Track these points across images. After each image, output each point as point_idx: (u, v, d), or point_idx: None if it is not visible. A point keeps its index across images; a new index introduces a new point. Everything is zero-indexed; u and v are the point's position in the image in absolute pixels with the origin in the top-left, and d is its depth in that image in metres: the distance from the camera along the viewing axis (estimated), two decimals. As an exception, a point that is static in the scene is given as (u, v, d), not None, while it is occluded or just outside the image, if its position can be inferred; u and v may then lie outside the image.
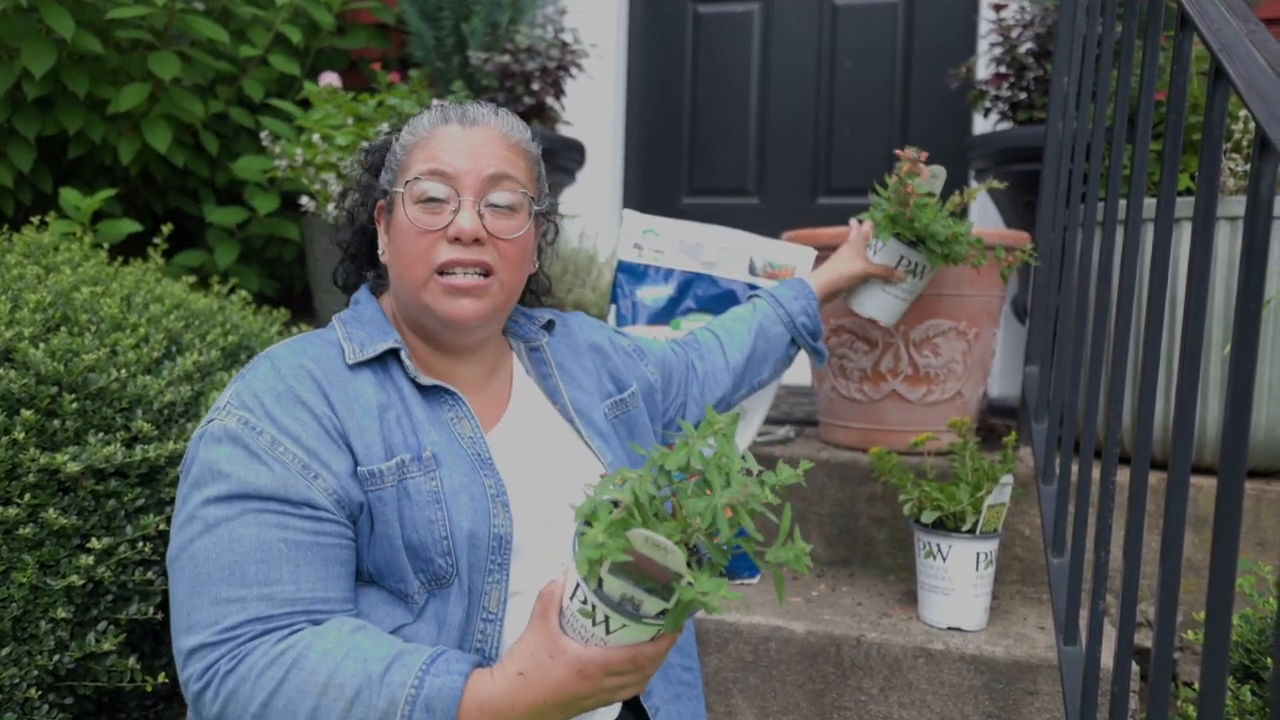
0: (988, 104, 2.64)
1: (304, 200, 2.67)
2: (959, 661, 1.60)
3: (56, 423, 1.44)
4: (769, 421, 2.45)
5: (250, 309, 2.19)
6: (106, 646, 1.44)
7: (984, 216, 2.98)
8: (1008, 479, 1.66)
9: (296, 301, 3.19)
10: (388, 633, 1.03)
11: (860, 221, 1.74)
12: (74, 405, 1.46)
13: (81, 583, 1.41)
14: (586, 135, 3.20)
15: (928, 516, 1.65)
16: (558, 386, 1.26)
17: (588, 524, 0.85)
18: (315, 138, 2.63)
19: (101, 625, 1.46)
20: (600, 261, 3.00)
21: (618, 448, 1.26)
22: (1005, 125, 2.64)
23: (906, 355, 1.97)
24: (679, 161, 3.49)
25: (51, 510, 1.39)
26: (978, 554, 1.64)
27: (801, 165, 3.38)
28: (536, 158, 1.23)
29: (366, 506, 1.06)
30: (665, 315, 1.93)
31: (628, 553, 0.82)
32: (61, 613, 1.39)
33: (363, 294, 1.24)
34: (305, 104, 3.04)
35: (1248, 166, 1.91)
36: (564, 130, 3.08)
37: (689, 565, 0.84)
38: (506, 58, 2.87)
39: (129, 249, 2.79)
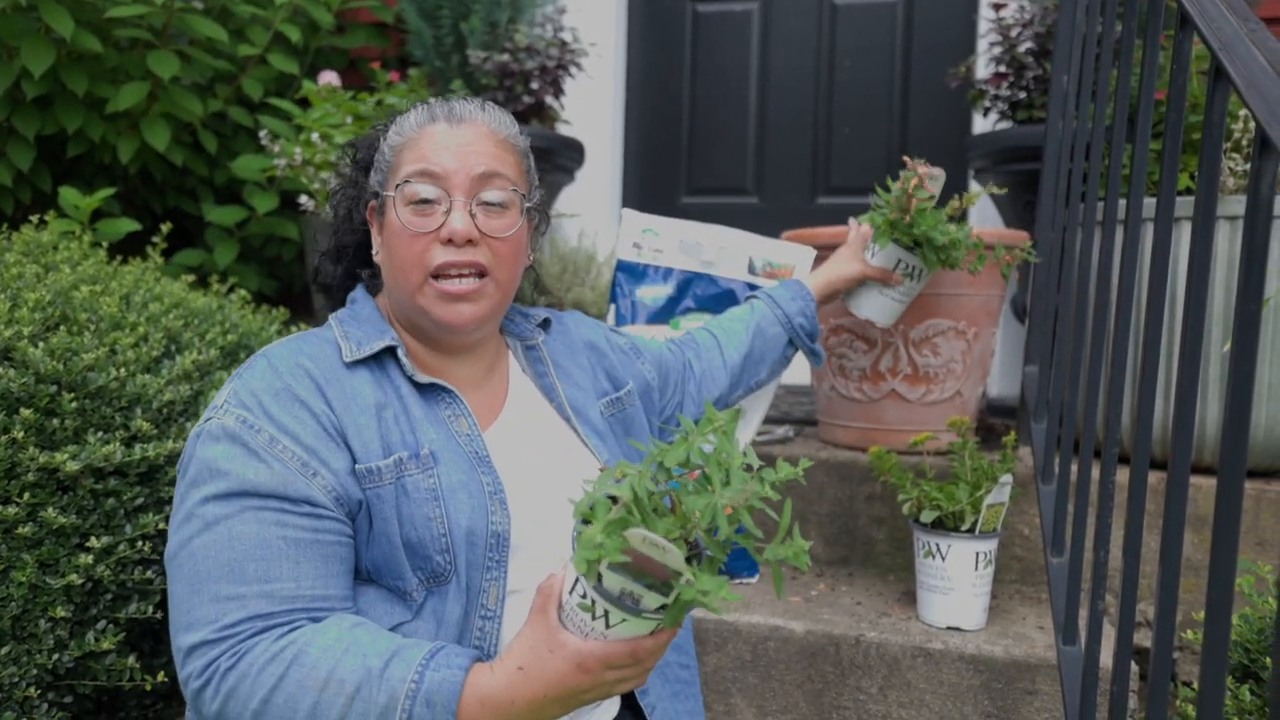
0: (987, 103, 2.64)
1: (303, 199, 2.67)
2: (958, 661, 1.60)
3: (56, 422, 1.44)
4: (768, 421, 2.45)
5: (249, 308, 2.19)
6: (106, 645, 1.43)
7: (983, 216, 2.98)
8: (1007, 478, 1.66)
9: (295, 300, 3.19)
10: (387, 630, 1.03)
11: (860, 223, 1.74)
12: (73, 404, 1.45)
13: (81, 582, 1.41)
14: (586, 134, 3.20)
15: (927, 516, 1.65)
16: (554, 385, 1.26)
17: (586, 521, 0.85)
18: (314, 137, 2.63)
19: (101, 624, 1.46)
20: (599, 261, 3.00)
21: (614, 446, 1.26)
22: (1005, 125, 2.64)
23: (906, 355, 1.98)
24: (678, 161, 3.49)
25: (51, 509, 1.39)
26: (977, 553, 1.64)
27: (801, 165, 3.38)
28: (525, 151, 1.22)
29: (365, 504, 1.06)
30: (664, 315, 1.93)
31: (626, 552, 0.82)
32: (61, 612, 1.39)
33: (359, 293, 1.23)
34: (304, 103, 3.04)
35: (1247, 166, 1.91)
36: (563, 129, 3.08)
37: (688, 561, 0.84)
38: (505, 57, 2.86)
39: (128, 248, 2.79)
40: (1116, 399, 1.22)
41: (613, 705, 1.20)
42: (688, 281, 1.94)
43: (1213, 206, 0.97)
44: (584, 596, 0.88)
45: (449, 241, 1.11)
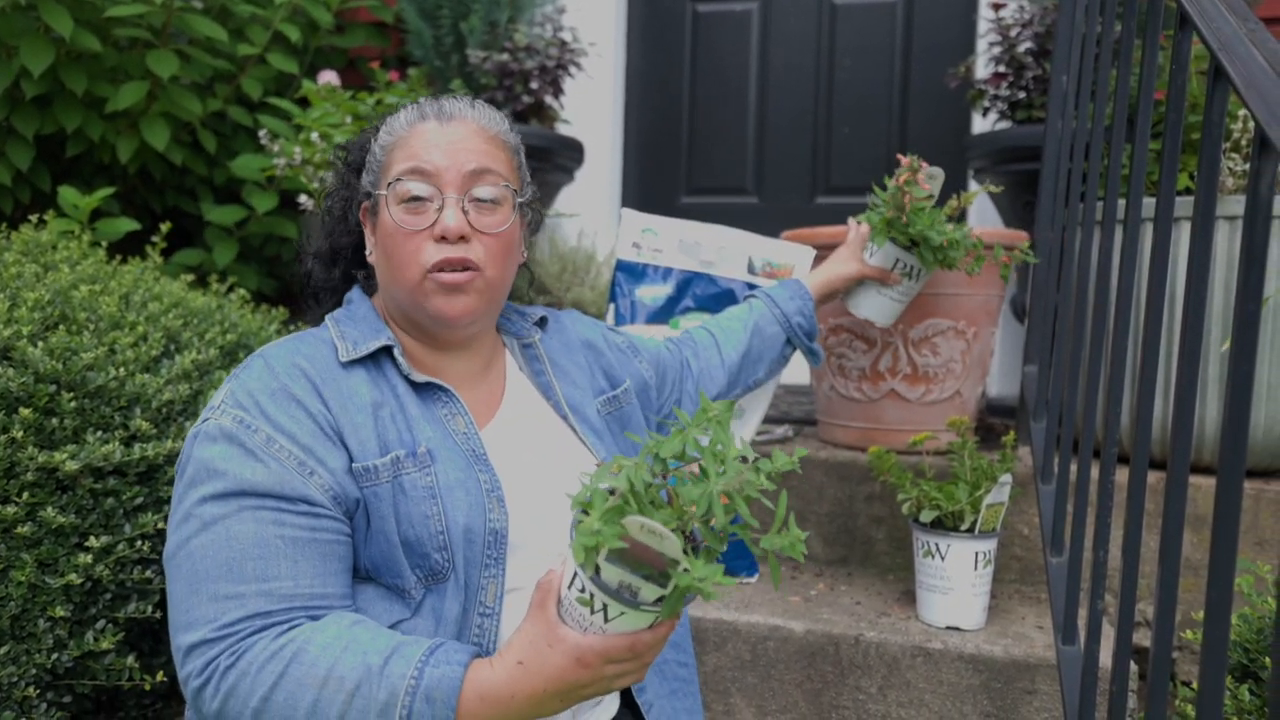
0: (986, 103, 2.64)
1: (302, 199, 2.67)
2: (957, 661, 1.60)
3: (55, 421, 1.44)
4: (768, 420, 2.45)
5: (248, 307, 2.19)
6: (105, 645, 1.43)
7: (983, 216, 2.98)
8: (1006, 478, 1.66)
9: (295, 300, 3.18)
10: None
11: (859, 222, 1.74)
12: (72, 404, 1.45)
13: (80, 581, 1.40)
14: (585, 134, 3.20)
15: (926, 516, 1.65)
16: (551, 383, 1.26)
17: (584, 512, 0.86)
18: (314, 136, 2.62)
19: (100, 624, 1.46)
20: (599, 260, 3.00)
21: (611, 444, 1.27)
22: (1004, 124, 2.65)
23: (905, 354, 1.98)
24: (678, 160, 3.49)
25: (50, 509, 1.39)
26: (976, 553, 1.65)
27: (800, 164, 3.38)
28: (516, 147, 1.23)
29: (362, 503, 1.06)
30: (664, 314, 1.93)
31: (624, 540, 0.83)
32: (60, 611, 1.39)
33: (355, 293, 1.24)
34: (304, 102, 3.04)
35: (1246, 166, 1.91)
36: (563, 129, 3.08)
37: (685, 553, 0.84)
38: (505, 56, 2.86)
39: (127, 247, 2.78)
40: (1116, 399, 1.22)
41: (611, 704, 1.20)
42: (687, 281, 1.94)
43: (1212, 206, 0.97)
44: (582, 590, 0.88)
45: (442, 238, 1.12)
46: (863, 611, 1.76)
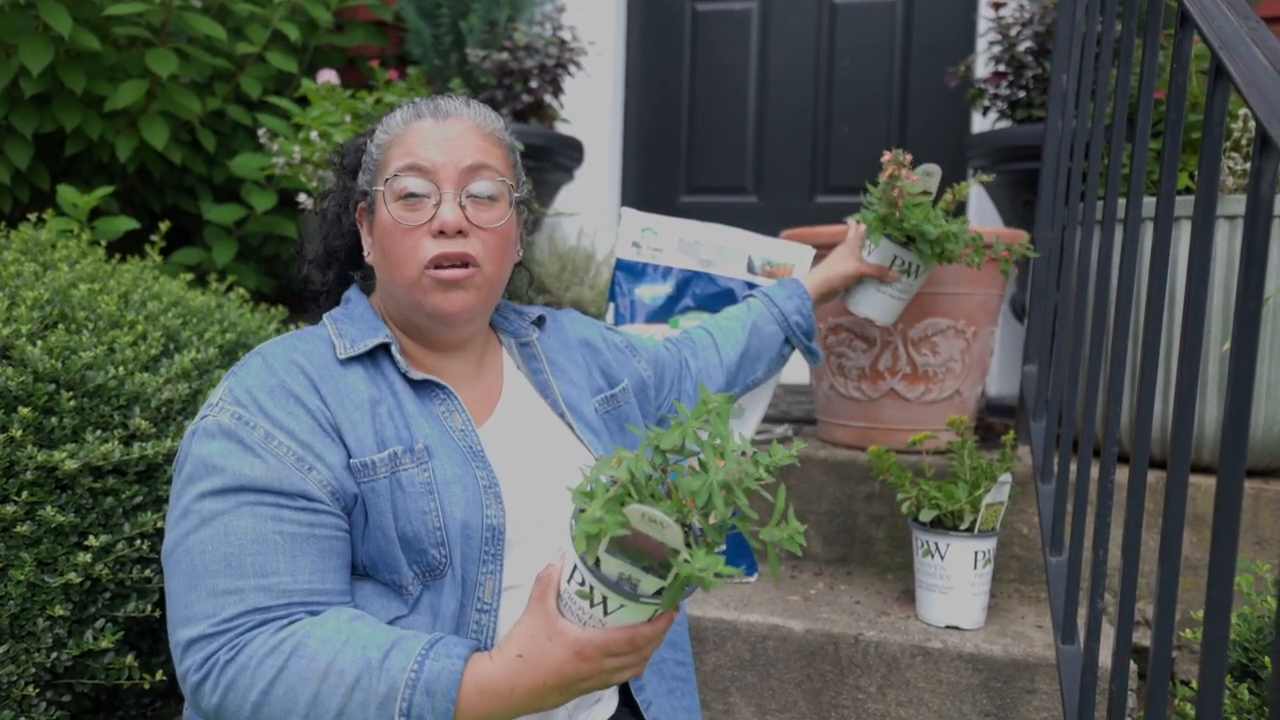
0: (986, 102, 2.64)
1: (302, 198, 2.67)
2: (957, 660, 1.60)
3: (54, 420, 1.44)
4: (767, 420, 2.45)
5: (248, 306, 2.19)
6: (104, 644, 1.43)
7: (982, 215, 2.98)
8: (1006, 478, 1.66)
9: (294, 299, 3.18)
10: None
11: (858, 222, 1.74)
12: (71, 403, 1.45)
13: (79, 580, 1.40)
14: (585, 133, 3.20)
15: (926, 515, 1.65)
16: (549, 381, 1.26)
17: (583, 507, 0.86)
18: (313, 135, 2.62)
19: (99, 623, 1.46)
20: (598, 260, 3.00)
21: (609, 442, 1.27)
22: (1004, 124, 2.64)
23: (905, 354, 1.98)
24: (677, 160, 3.49)
25: (49, 508, 1.39)
26: (976, 552, 1.64)
27: (800, 163, 3.38)
28: (512, 145, 1.23)
29: (360, 498, 1.06)
30: (664, 313, 1.93)
31: (625, 528, 0.83)
32: (59, 610, 1.39)
33: (353, 292, 1.24)
34: (303, 101, 3.04)
35: (1246, 165, 1.91)
36: (562, 128, 3.08)
37: (686, 544, 0.84)
38: (504, 55, 2.86)
39: (126, 246, 2.78)
40: (1116, 398, 1.22)
41: (610, 702, 1.21)
42: (687, 280, 1.94)
43: (1213, 205, 0.97)
44: (582, 584, 0.88)
45: (440, 233, 1.12)
46: (862, 611, 1.76)
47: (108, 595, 1.47)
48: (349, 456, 1.06)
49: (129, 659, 1.48)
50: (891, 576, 1.96)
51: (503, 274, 1.19)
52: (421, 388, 1.15)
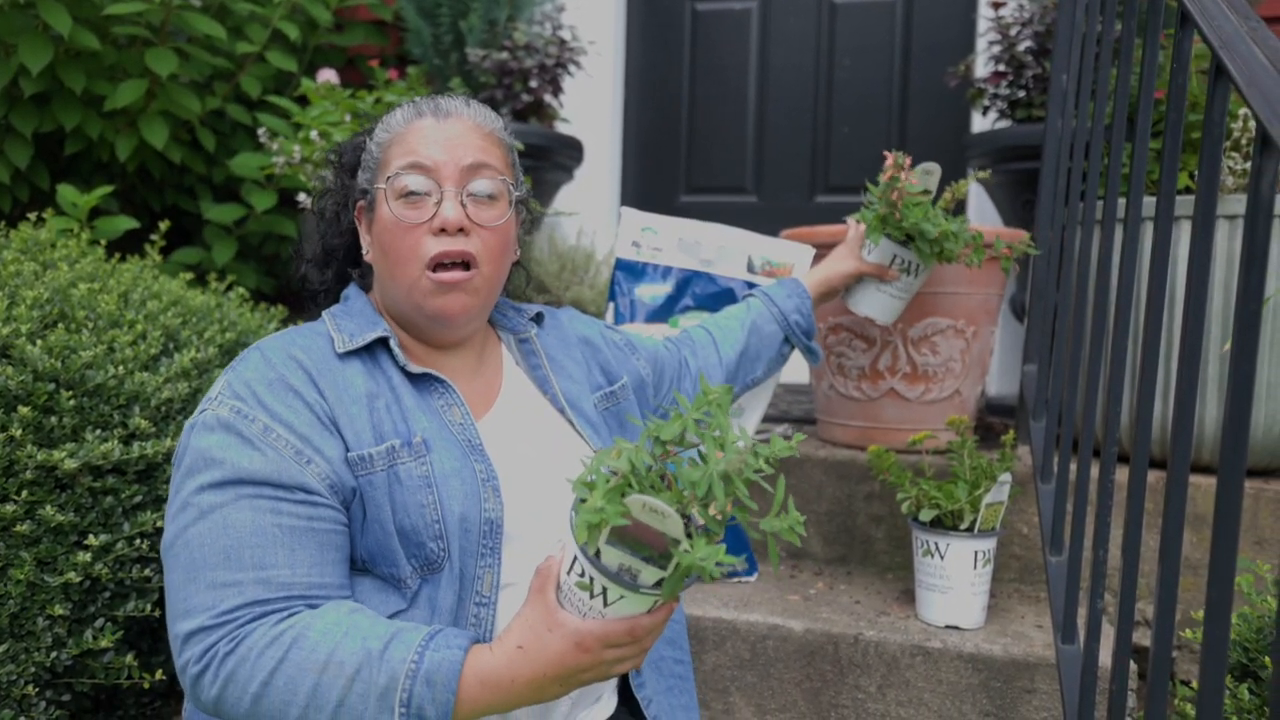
0: (986, 102, 2.64)
1: (301, 197, 2.67)
2: (956, 660, 1.60)
3: (54, 419, 1.44)
4: (767, 420, 2.45)
5: (247, 306, 2.19)
6: (104, 643, 1.43)
7: (982, 215, 2.98)
8: (1006, 477, 1.66)
9: (294, 298, 3.18)
10: None
11: (857, 221, 1.74)
12: (71, 402, 1.45)
13: (79, 580, 1.40)
14: (584, 133, 3.19)
15: (926, 515, 1.65)
16: (548, 377, 1.27)
17: (584, 502, 0.86)
18: (313, 134, 2.62)
19: (99, 622, 1.46)
20: (598, 259, 3.00)
21: (608, 438, 1.27)
22: (1004, 123, 2.64)
23: (905, 353, 1.97)
24: (677, 159, 3.49)
25: (49, 507, 1.39)
26: (975, 552, 1.64)
27: (800, 163, 3.38)
28: (511, 145, 1.24)
29: (358, 492, 1.06)
30: (663, 313, 1.93)
31: (626, 518, 0.83)
32: (59, 610, 1.39)
33: (352, 290, 1.25)
34: (303, 101, 3.04)
35: (1246, 165, 1.91)
36: (562, 128, 3.08)
37: (687, 535, 0.84)
38: (504, 55, 2.86)
39: (126, 246, 2.78)
40: (1115, 398, 1.22)
41: (610, 701, 1.21)
42: (687, 280, 1.94)
43: (1213, 205, 0.97)
44: (582, 575, 0.89)
45: (441, 231, 1.12)
46: (862, 610, 1.76)
47: (107, 595, 1.47)
48: (346, 450, 1.07)
49: (129, 658, 1.48)
50: (891, 576, 1.96)
51: (501, 273, 1.20)
52: (420, 382, 1.16)
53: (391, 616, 1.05)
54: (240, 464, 1.02)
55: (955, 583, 1.65)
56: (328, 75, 2.84)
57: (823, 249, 1.92)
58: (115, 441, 1.46)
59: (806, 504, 2.03)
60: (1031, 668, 1.56)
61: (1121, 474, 1.76)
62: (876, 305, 1.76)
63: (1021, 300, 2.56)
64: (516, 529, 1.10)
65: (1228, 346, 1.70)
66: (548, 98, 2.94)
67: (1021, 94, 2.56)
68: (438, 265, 1.13)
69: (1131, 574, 1.11)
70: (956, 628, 1.66)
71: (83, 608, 1.45)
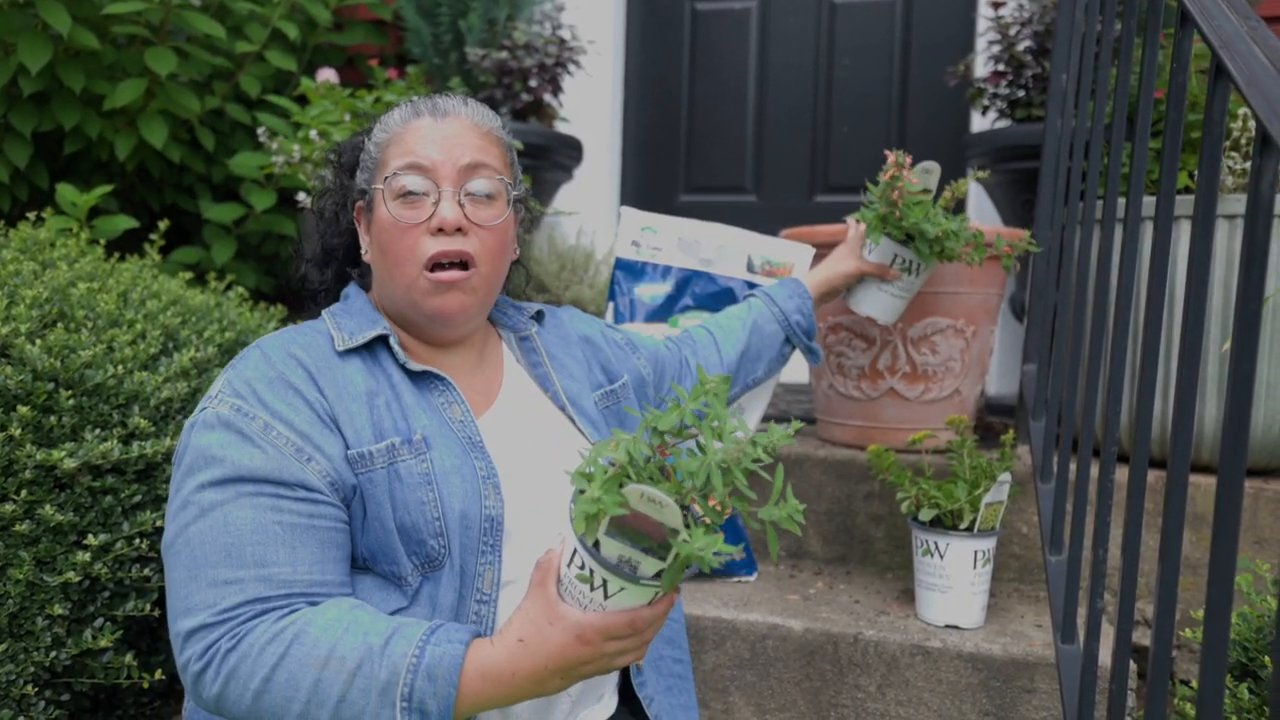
0: (986, 102, 2.64)
1: (301, 196, 2.67)
2: (956, 659, 1.60)
3: (53, 419, 1.44)
4: (767, 419, 2.45)
5: (247, 305, 2.19)
6: (103, 643, 1.43)
7: (981, 214, 2.98)
8: (1005, 477, 1.66)
9: (293, 298, 3.18)
10: None
11: (857, 221, 1.74)
12: (70, 402, 1.45)
13: (78, 579, 1.40)
14: (584, 132, 3.19)
15: (925, 514, 1.65)
16: (548, 374, 1.27)
17: (582, 490, 0.86)
18: (312, 134, 2.62)
19: (98, 622, 1.46)
20: (598, 259, 3.00)
21: (608, 435, 1.27)
22: (1003, 123, 2.64)
23: (904, 353, 1.97)
24: (676, 159, 3.49)
25: (48, 507, 1.39)
26: (975, 552, 1.64)
27: (799, 163, 3.38)
28: (509, 144, 1.24)
29: (359, 490, 1.06)
30: (663, 313, 1.93)
31: (624, 508, 0.83)
32: (58, 609, 1.39)
33: (352, 289, 1.25)
34: (302, 100, 3.04)
35: (1246, 165, 1.91)
36: (561, 127, 3.08)
37: (686, 525, 0.84)
38: (504, 54, 2.86)
39: (125, 245, 2.78)
40: (1115, 397, 1.22)
41: (611, 700, 1.21)
42: (686, 279, 1.94)
43: (1213, 205, 0.97)
44: (582, 567, 0.89)
45: (439, 231, 1.13)
46: (862, 610, 1.76)
47: (107, 594, 1.47)
48: (347, 448, 1.07)
49: (128, 658, 1.47)
50: (891, 576, 1.96)
51: (500, 272, 1.20)
52: (420, 379, 1.16)
53: (392, 614, 1.05)
54: (241, 462, 1.02)
55: (955, 582, 1.65)
56: (327, 75, 2.84)
57: (822, 248, 1.92)
58: (114, 441, 1.46)
59: (806, 503, 2.02)
60: (1031, 667, 1.56)
61: (1121, 473, 1.76)
62: (878, 305, 1.76)
63: (1021, 300, 2.56)
64: (517, 526, 1.10)
65: (1227, 346, 1.71)
66: (547, 97, 2.94)
67: (1021, 93, 2.55)
68: (435, 265, 1.13)
69: (1131, 573, 1.11)
70: (956, 627, 1.66)
71: (82, 607, 1.45)
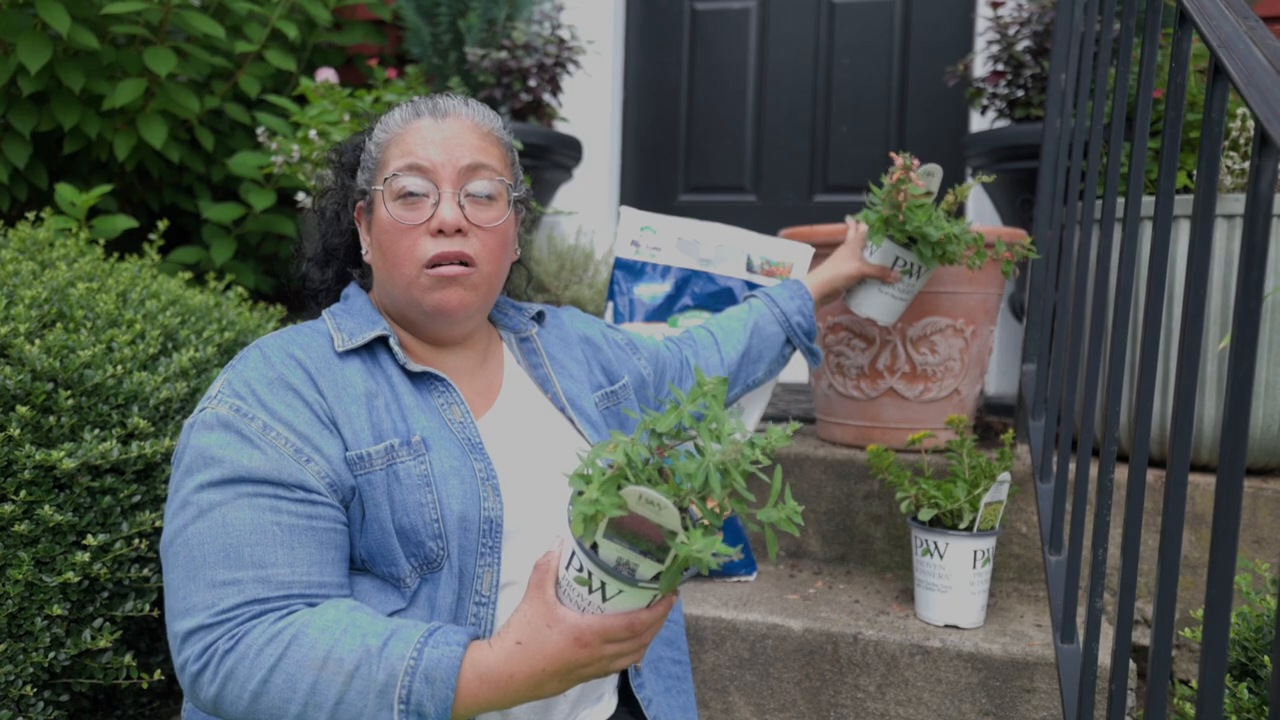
0: (985, 101, 2.64)
1: (300, 196, 2.67)
2: (956, 659, 1.60)
3: (52, 419, 1.44)
4: (766, 419, 2.45)
5: (246, 305, 2.19)
6: (102, 643, 1.43)
7: (981, 214, 2.98)
8: (1005, 476, 1.66)
9: (293, 297, 3.18)
10: None
11: (857, 222, 1.74)
12: (70, 402, 1.45)
13: (77, 579, 1.40)
14: (583, 132, 3.19)
15: (925, 514, 1.65)
16: (549, 375, 1.27)
17: (581, 491, 0.86)
18: (312, 134, 2.62)
19: (97, 622, 1.46)
20: (597, 259, 3.00)
21: (608, 437, 1.27)
22: (1003, 123, 2.65)
23: (904, 353, 1.97)
24: (676, 159, 3.49)
25: (47, 507, 1.39)
26: (975, 551, 1.64)
27: (798, 163, 3.38)
28: (510, 144, 1.24)
29: (357, 491, 1.06)
30: (663, 312, 1.93)
31: (622, 510, 0.83)
32: (57, 610, 1.39)
33: (352, 289, 1.25)
34: (302, 100, 3.04)
35: (1244, 165, 1.91)
36: (561, 127, 3.08)
37: (684, 526, 0.84)
38: (503, 54, 2.86)
39: (125, 245, 2.78)
40: (1114, 397, 1.22)
41: (610, 701, 1.21)
42: (686, 279, 1.94)
43: (1212, 204, 0.97)
44: (580, 570, 0.89)
45: (439, 232, 1.12)
46: (861, 610, 1.76)
47: (106, 595, 1.47)
48: (346, 449, 1.07)
49: (127, 658, 1.47)
50: (890, 575, 1.96)
51: (500, 273, 1.20)
52: (420, 380, 1.16)
53: (390, 615, 1.05)
54: (240, 462, 1.02)
55: (954, 582, 1.65)
56: (326, 74, 2.84)
57: (822, 248, 1.92)
58: (114, 441, 1.46)
59: (806, 503, 2.03)
60: (1031, 667, 1.56)
61: (1120, 473, 1.76)
62: (878, 306, 1.76)
63: (1020, 299, 2.56)
64: (516, 528, 1.10)
65: (1225, 345, 1.71)
66: (546, 97, 2.94)
67: (1020, 93, 2.56)
68: (434, 265, 1.13)
69: (1131, 573, 1.11)
70: (956, 627, 1.66)
71: (81, 608, 1.45)
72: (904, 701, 1.62)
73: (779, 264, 1.92)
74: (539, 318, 1.34)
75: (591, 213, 3.29)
